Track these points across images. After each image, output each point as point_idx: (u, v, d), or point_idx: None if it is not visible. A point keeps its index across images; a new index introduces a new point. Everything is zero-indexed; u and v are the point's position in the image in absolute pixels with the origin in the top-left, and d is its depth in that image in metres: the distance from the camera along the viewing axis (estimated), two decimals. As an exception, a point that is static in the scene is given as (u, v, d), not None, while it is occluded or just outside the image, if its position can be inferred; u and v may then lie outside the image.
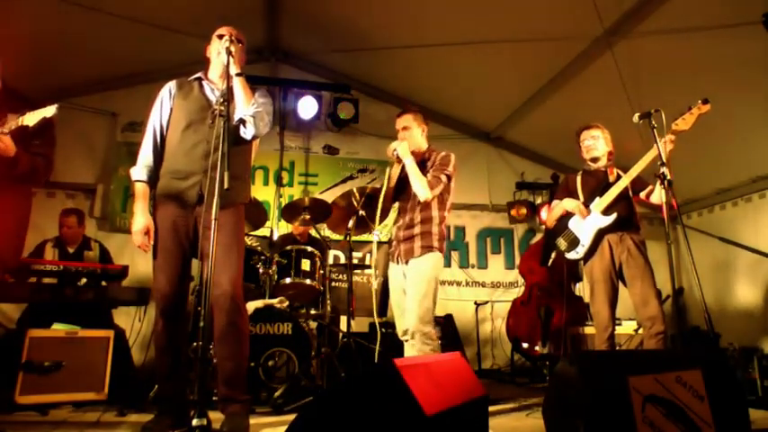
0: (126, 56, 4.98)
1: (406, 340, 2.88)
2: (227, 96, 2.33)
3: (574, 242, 3.30)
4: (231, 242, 2.42)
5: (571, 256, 3.32)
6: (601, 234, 3.18)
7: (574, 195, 3.35)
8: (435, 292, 2.81)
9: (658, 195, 3.06)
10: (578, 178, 3.41)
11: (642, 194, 3.21)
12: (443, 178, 2.90)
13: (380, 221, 3.06)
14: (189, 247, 2.48)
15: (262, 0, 4.94)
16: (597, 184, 3.27)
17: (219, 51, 2.50)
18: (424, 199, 2.86)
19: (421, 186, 2.86)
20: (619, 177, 3.20)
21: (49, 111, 2.29)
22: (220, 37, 2.53)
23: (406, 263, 2.90)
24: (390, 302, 3.08)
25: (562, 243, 3.38)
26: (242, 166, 2.57)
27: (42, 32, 4.25)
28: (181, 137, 2.51)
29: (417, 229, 2.90)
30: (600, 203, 3.19)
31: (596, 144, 3.33)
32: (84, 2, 4.07)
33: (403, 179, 2.96)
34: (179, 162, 2.49)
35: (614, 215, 3.14)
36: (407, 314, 2.81)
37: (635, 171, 3.08)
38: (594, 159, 3.34)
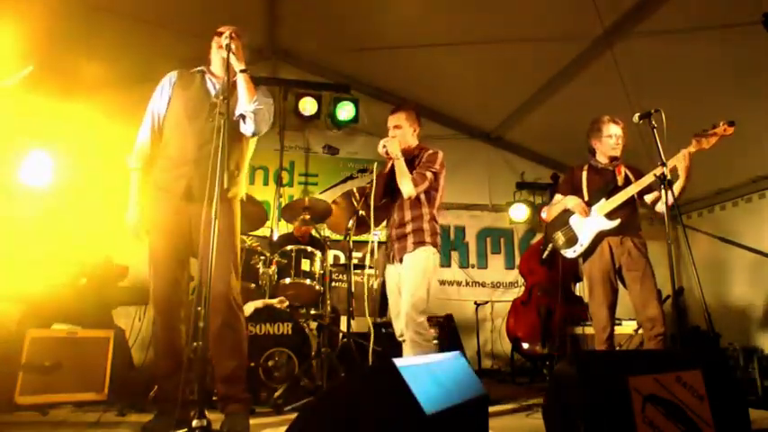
0: (125, 55, 4.98)
1: (403, 341, 2.87)
2: (227, 93, 2.32)
3: (572, 240, 3.26)
4: (224, 240, 2.38)
5: (567, 253, 3.29)
6: (601, 237, 3.15)
7: (578, 191, 3.29)
8: (429, 284, 2.82)
9: (662, 202, 3.05)
10: (584, 174, 3.32)
11: (647, 198, 3.15)
12: (428, 175, 2.91)
13: (377, 223, 3.06)
14: (184, 245, 2.47)
15: (262, 0, 4.94)
16: (604, 184, 3.21)
17: (220, 48, 2.49)
18: (407, 195, 2.87)
19: (405, 183, 2.87)
20: (627, 178, 3.15)
21: (26, 70, 2.28)
22: (220, 34, 2.54)
23: (401, 261, 2.90)
24: (388, 303, 3.08)
25: (560, 238, 3.33)
26: (235, 162, 2.56)
27: (42, 32, 4.25)
28: (177, 127, 2.50)
29: (409, 227, 2.91)
30: (604, 207, 3.14)
31: (621, 144, 3.21)
32: (84, 1, 4.07)
33: (393, 178, 2.96)
34: (172, 151, 2.49)
35: (617, 221, 3.09)
36: (401, 304, 2.82)
37: (646, 181, 3.01)
38: (614, 158, 3.24)
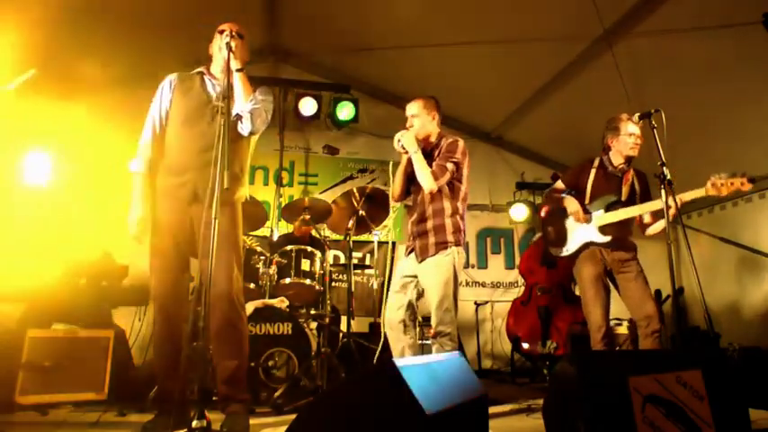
0: (125, 55, 4.98)
1: (386, 333, 2.83)
2: (228, 93, 2.32)
3: (562, 240, 3.27)
4: (228, 241, 2.40)
5: (554, 251, 3.32)
6: (588, 245, 3.14)
7: (581, 190, 3.24)
8: (455, 291, 2.70)
9: (654, 230, 3.06)
10: (592, 173, 3.22)
11: (644, 218, 3.13)
12: (449, 166, 2.75)
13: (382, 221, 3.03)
14: (186, 246, 2.47)
15: (262, 0, 4.94)
16: (608, 192, 3.14)
17: (221, 47, 2.49)
18: (429, 190, 2.73)
19: (424, 177, 2.72)
20: (631, 192, 3.12)
21: (29, 73, 2.28)
22: (221, 33, 2.53)
23: (421, 261, 2.76)
24: (388, 293, 2.97)
25: (551, 234, 3.35)
26: (239, 164, 2.56)
27: (42, 32, 4.25)
28: (179, 132, 2.50)
29: (430, 224, 2.76)
30: (602, 219, 3.10)
31: (639, 143, 3.09)
32: (82, 2, 4.07)
33: (412, 170, 2.82)
34: (175, 157, 2.48)
35: (608, 237, 3.07)
36: (431, 314, 2.72)
37: (650, 207, 2.96)
38: (630, 159, 3.14)
